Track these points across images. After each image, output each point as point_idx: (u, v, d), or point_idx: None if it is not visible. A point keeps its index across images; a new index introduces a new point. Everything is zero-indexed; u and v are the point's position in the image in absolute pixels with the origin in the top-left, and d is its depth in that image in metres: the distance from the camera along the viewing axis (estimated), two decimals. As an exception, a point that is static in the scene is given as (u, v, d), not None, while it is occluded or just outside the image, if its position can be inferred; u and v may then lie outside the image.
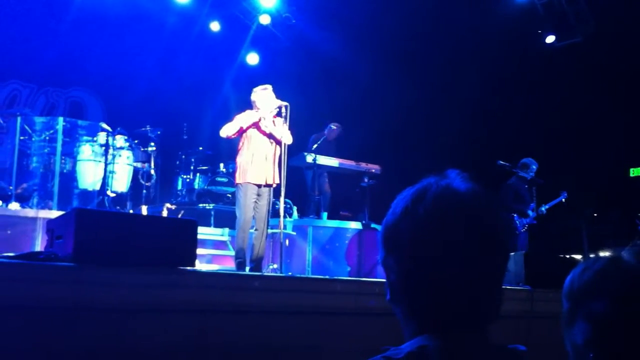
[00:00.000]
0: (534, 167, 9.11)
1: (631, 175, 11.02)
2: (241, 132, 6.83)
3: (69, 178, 8.92)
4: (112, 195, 8.90)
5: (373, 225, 8.83)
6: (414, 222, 1.18)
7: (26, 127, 8.74)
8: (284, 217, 7.27)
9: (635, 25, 10.03)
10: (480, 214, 1.20)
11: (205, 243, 8.65)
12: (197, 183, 10.74)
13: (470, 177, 1.22)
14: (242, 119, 6.83)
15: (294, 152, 8.37)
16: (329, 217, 9.17)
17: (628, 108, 10.44)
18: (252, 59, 13.15)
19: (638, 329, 1.09)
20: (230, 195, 10.27)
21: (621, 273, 1.13)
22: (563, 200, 9.39)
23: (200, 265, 7.31)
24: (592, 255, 1.22)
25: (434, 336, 1.16)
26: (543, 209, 9.13)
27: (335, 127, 10.11)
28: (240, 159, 6.83)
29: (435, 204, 1.18)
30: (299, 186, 9.65)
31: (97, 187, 8.83)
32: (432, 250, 1.16)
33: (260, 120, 6.81)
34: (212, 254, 8.71)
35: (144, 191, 9.57)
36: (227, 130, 6.83)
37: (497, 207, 1.25)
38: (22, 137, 8.65)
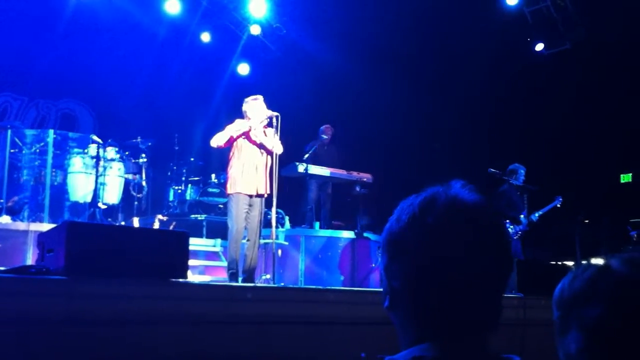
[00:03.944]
0: (522, 171, 9.12)
1: (622, 181, 11.07)
2: (231, 141, 6.82)
3: (60, 190, 8.87)
4: (104, 207, 8.87)
5: (365, 235, 8.83)
6: (422, 230, 1.19)
7: (16, 140, 8.70)
8: (276, 227, 7.26)
9: (625, 31, 10.10)
10: (488, 226, 1.22)
11: (197, 254, 8.63)
12: (189, 194, 10.73)
13: (475, 188, 1.24)
14: (232, 129, 6.83)
15: (287, 162, 8.37)
16: (321, 227, 9.16)
17: (618, 114, 10.49)
18: (243, 69, 13.16)
19: (628, 337, 1.09)
20: (222, 206, 10.26)
21: (611, 281, 1.14)
22: (558, 205, 9.38)
23: (192, 277, 7.30)
24: (582, 263, 1.22)
25: (431, 345, 1.16)
26: (536, 215, 9.13)
27: (325, 130, 10.11)
28: (231, 170, 6.83)
29: (445, 214, 1.19)
30: (292, 196, 9.65)
31: (88, 199, 8.80)
32: (439, 259, 1.17)
33: (250, 130, 6.81)
34: (205, 265, 8.69)
35: (136, 203, 9.54)
36: (218, 140, 6.83)
37: (501, 219, 1.27)
38: (12, 150, 8.62)
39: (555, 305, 1.22)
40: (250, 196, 6.75)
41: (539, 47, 11.73)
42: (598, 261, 1.21)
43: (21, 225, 7.49)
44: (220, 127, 7.00)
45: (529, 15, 11.39)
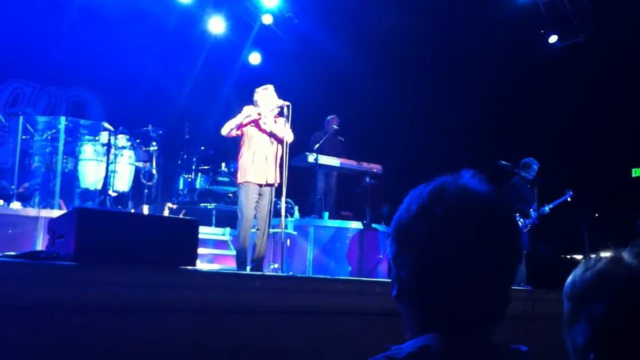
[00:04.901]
0: (535, 166, 9.09)
1: (633, 175, 11.00)
2: (240, 128, 6.84)
3: (71, 177, 8.91)
4: (114, 194, 8.90)
5: (374, 225, 8.82)
6: (431, 220, 1.19)
7: (28, 127, 8.73)
8: (285, 216, 7.27)
9: (638, 24, 10.01)
10: (498, 216, 1.22)
11: (207, 243, 8.66)
12: (199, 183, 10.75)
13: (485, 178, 1.24)
14: (241, 116, 6.86)
15: (297, 152, 8.37)
16: (330, 217, 9.16)
17: (631, 108, 10.42)
18: (255, 58, 13.15)
19: (631, 334, 1.08)
20: (231, 195, 10.28)
21: (622, 274, 1.13)
22: (568, 199, 9.32)
23: (201, 265, 7.32)
24: (593, 256, 1.22)
25: (438, 335, 1.16)
26: (546, 208, 9.07)
27: (331, 120, 10.11)
28: (241, 159, 6.85)
29: (454, 204, 1.19)
30: (301, 186, 9.65)
31: (99, 186, 8.83)
32: (448, 249, 1.17)
33: (259, 117, 6.82)
34: (214, 253, 8.71)
35: (146, 191, 9.57)
36: (227, 128, 6.87)
37: (512, 210, 1.26)
38: (24, 137, 8.65)
39: (565, 296, 1.22)
40: (260, 185, 6.77)
41: (553, 39, 11.65)
42: (609, 254, 1.20)
43: (32, 212, 7.52)
44: (231, 116, 7.02)
45: (542, 7, 11.30)
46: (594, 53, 10.90)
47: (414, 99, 11.66)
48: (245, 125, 6.84)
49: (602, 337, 1.12)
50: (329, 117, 10.19)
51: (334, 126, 10.05)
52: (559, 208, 9.25)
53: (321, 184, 9.65)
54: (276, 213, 7.44)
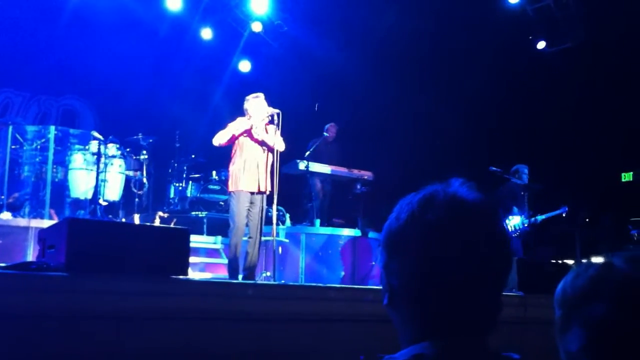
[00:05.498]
0: (526, 170, 9.13)
1: (623, 180, 11.05)
2: (233, 139, 6.84)
3: (61, 187, 8.87)
4: (104, 204, 8.86)
5: (366, 232, 8.82)
6: (421, 228, 1.20)
7: (17, 136, 8.69)
8: (277, 224, 7.25)
9: (626, 30, 10.08)
10: (487, 223, 1.23)
11: (198, 251, 8.63)
12: (190, 191, 10.72)
13: (474, 185, 1.24)
14: (233, 127, 6.84)
15: (288, 159, 8.37)
16: (322, 224, 9.16)
17: (620, 112, 10.47)
18: (244, 66, 13.15)
19: (631, 334, 1.09)
20: (222, 203, 10.25)
21: (616, 277, 1.14)
22: (563, 214, 9.24)
23: (193, 274, 7.29)
24: (583, 262, 1.22)
25: (431, 343, 1.16)
26: (538, 218, 9.07)
27: (330, 128, 10.11)
28: (233, 167, 6.83)
29: (444, 212, 1.19)
30: (293, 193, 9.64)
31: (89, 195, 8.80)
32: (438, 257, 1.18)
33: (252, 127, 6.82)
34: (205, 262, 8.68)
35: (137, 199, 9.54)
36: (220, 139, 6.84)
37: (501, 217, 1.28)
38: (13, 146, 8.60)
39: (557, 303, 1.22)
40: (252, 193, 6.76)
41: (541, 45, 11.71)
42: (600, 260, 1.20)
43: (22, 222, 7.49)
44: (221, 124, 7.01)
45: (531, 13, 11.36)
46: (584, 58, 10.96)
47: (405, 104, 11.68)
48: (238, 137, 6.83)
49: (596, 342, 1.12)
50: (328, 125, 10.18)
51: (325, 133, 10.04)
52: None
53: (316, 190, 9.65)
54: (268, 221, 7.43)
